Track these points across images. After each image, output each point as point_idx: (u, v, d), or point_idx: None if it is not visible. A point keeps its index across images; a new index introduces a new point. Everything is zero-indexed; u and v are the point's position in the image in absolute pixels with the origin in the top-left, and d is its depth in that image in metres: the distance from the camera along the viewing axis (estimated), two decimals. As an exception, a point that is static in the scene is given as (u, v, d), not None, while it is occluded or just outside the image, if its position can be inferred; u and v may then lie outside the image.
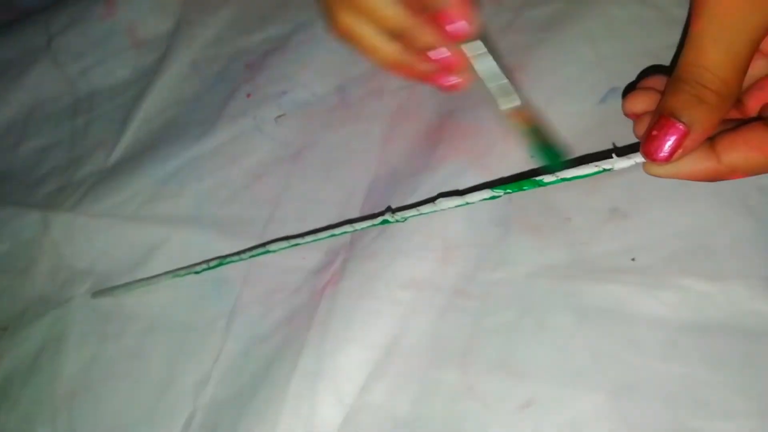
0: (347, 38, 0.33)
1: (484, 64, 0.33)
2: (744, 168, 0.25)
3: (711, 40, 0.24)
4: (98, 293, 0.40)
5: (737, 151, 0.25)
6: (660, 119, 0.25)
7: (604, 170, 0.28)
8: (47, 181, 0.47)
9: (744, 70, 0.25)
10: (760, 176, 0.29)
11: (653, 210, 0.33)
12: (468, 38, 0.31)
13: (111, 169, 0.46)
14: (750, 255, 0.31)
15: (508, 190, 0.31)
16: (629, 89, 0.32)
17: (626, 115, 0.30)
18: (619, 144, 0.33)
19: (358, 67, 0.44)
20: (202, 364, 0.37)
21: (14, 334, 0.41)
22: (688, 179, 0.27)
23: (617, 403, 0.29)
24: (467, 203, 0.32)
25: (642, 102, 0.29)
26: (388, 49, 0.32)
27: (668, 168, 0.26)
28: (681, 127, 0.25)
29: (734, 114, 0.29)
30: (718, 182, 0.28)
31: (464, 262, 0.35)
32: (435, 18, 0.30)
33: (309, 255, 0.38)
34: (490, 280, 0.34)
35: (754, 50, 0.25)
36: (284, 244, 0.36)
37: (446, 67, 0.32)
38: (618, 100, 0.37)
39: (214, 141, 0.44)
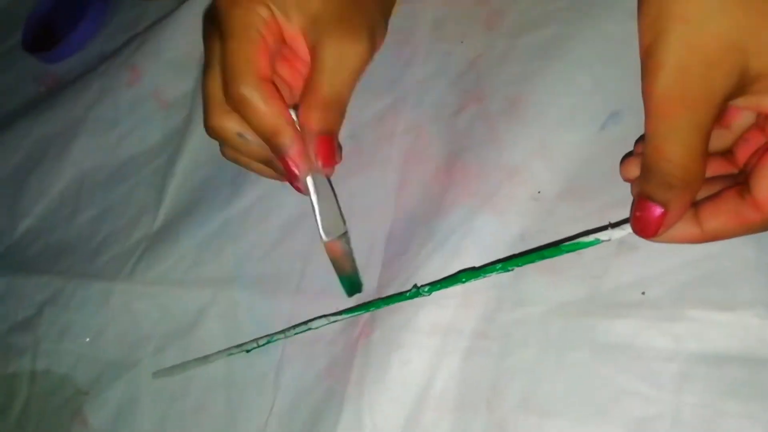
0: (219, 138, 0.38)
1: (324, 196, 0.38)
2: (724, 234, 0.27)
3: (663, 140, 0.25)
4: (158, 373, 0.44)
5: (716, 219, 0.27)
6: (639, 201, 0.28)
7: (602, 241, 0.31)
8: (103, 250, 0.52)
9: (703, 152, 0.26)
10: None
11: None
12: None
13: (156, 234, 0.50)
14: (758, 282, 0.31)
15: (519, 264, 0.35)
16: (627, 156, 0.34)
17: (624, 180, 0.33)
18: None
19: (367, 111, 0.45)
20: (258, 416, 0.41)
21: (95, 397, 0.46)
22: (679, 243, 0.29)
23: (636, 436, 0.31)
24: (483, 276, 0.36)
25: (635, 167, 0.31)
26: (260, 153, 0.37)
27: (659, 238, 0.28)
28: (658, 208, 0.27)
29: (726, 166, 0.30)
30: None
31: (484, 304, 0.37)
32: (279, 158, 0.36)
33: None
34: (509, 321, 0.36)
35: (707, 134, 0.26)
36: (324, 321, 0.40)
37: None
38: (618, 125, 0.37)
39: (245, 200, 0.47)
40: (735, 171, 0.31)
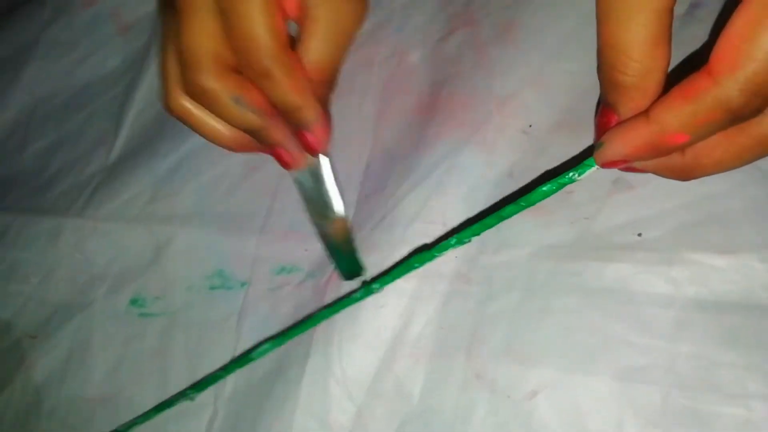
0: (183, 120, 0.34)
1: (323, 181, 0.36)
2: (674, 123, 0.22)
3: (608, 21, 0.22)
4: None
5: (663, 105, 0.23)
6: (600, 108, 0.25)
7: (565, 183, 0.28)
8: (54, 184, 0.48)
9: (661, 42, 0.22)
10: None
11: (659, 179, 0.31)
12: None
13: (112, 167, 0.46)
14: (763, 225, 0.29)
15: (476, 233, 0.30)
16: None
17: None
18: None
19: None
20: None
21: (43, 341, 0.43)
22: (630, 158, 0.25)
23: (626, 387, 0.29)
24: (439, 255, 0.32)
25: None
26: (231, 134, 0.34)
27: (613, 154, 0.25)
28: (613, 115, 0.24)
29: None
30: None
31: (465, 246, 0.34)
32: (298, 132, 0.33)
33: (311, 246, 0.38)
34: (492, 264, 0.33)
35: (666, 19, 0.22)
36: (268, 345, 0.35)
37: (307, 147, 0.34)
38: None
39: (208, 131, 0.43)
40: None
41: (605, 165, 0.25)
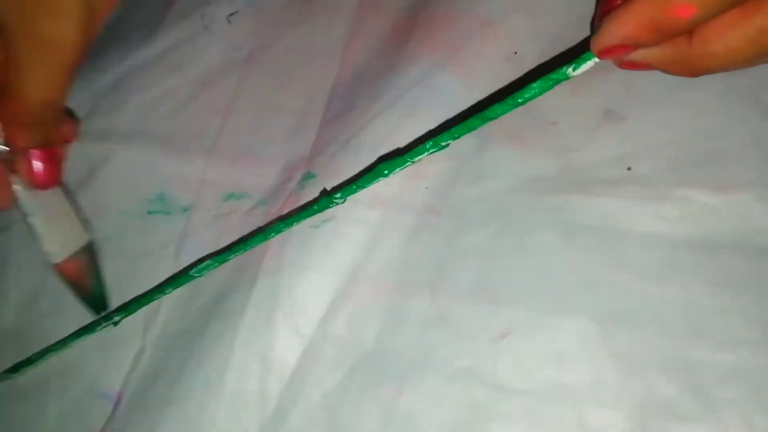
0: None
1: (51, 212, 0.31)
2: None
3: None
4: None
5: None
6: None
7: (560, 79, 0.24)
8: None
9: None
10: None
11: (653, 111, 0.29)
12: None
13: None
14: (761, 161, 0.26)
15: (456, 136, 0.26)
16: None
17: None
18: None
19: (318, -47, 0.38)
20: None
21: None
22: (637, 40, 0.21)
23: (606, 331, 0.26)
24: (412, 162, 0.28)
25: None
26: None
27: (610, 36, 0.21)
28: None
29: None
30: (730, 77, 0.24)
31: (437, 176, 0.31)
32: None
33: (264, 171, 0.34)
34: (466, 197, 0.30)
35: None
36: (209, 262, 0.31)
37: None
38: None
39: (158, 46, 0.39)
40: None
41: (602, 53, 0.22)
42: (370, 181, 0.29)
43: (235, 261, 0.32)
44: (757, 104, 0.27)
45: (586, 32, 0.30)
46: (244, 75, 0.37)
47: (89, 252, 0.33)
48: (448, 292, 0.29)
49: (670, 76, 0.24)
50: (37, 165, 0.29)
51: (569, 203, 0.28)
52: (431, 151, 0.27)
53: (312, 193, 0.32)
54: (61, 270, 0.32)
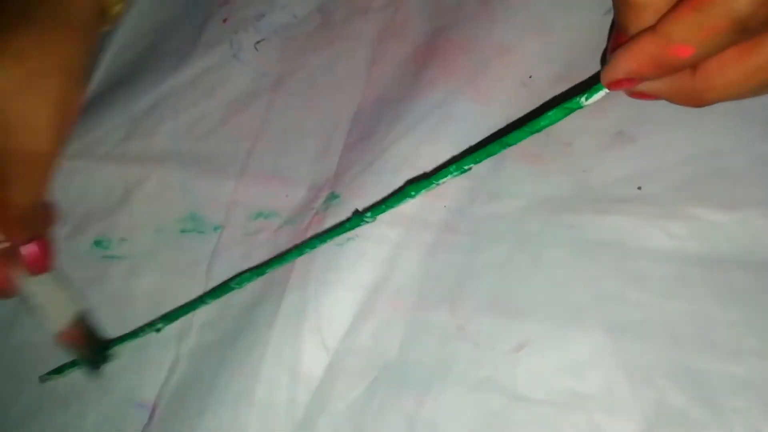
0: None
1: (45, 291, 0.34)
2: (680, 32, 0.21)
3: None
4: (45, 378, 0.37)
5: (669, 16, 0.21)
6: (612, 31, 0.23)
7: (574, 108, 0.25)
8: (21, 120, 0.45)
9: None
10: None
11: (663, 132, 0.30)
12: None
13: (86, 104, 0.43)
14: (768, 180, 0.28)
15: (477, 160, 0.28)
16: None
17: None
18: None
19: (341, -17, 0.40)
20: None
21: None
22: (641, 75, 0.23)
23: (618, 343, 0.27)
24: (437, 184, 0.29)
25: None
26: None
27: (617, 70, 0.23)
28: (624, 35, 0.23)
29: None
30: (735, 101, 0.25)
31: (456, 195, 0.32)
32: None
33: (291, 192, 0.36)
34: (483, 214, 0.32)
35: None
36: (248, 275, 0.33)
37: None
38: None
39: (190, 72, 0.41)
40: None
41: (611, 85, 0.24)
42: (398, 202, 0.30)
43: (264, 278, 0.34)
44: (764, 125, 0.28)
45: (596, 54, 0.32)
46: (271, 100, 0.39)
47: (82, 319, 0.36)
48: (466, 306, 0.30)
49: None
50: (33, 255, 0.33)
51: (582, 221, 0.30)
52: (455, 174, 0.28)
53: (336, 212, 0.34)
54: (61, 339, 0.35)
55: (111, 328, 0.36)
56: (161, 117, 0.40)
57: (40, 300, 0.34)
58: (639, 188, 0.29)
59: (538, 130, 0.26)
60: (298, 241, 0.34)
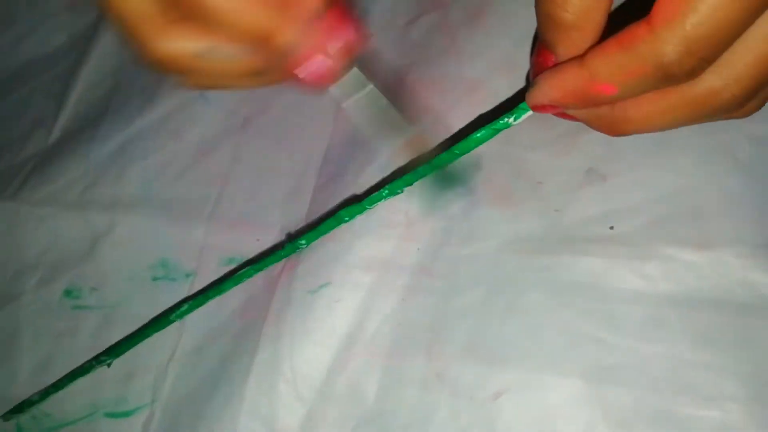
0: (172, 70, 0.24)
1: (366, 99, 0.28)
2: (606, 72, 0.21)
3: None
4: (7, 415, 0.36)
5: (598, 52, 0.21)
6: (538, 48, 0.24)
7: (500, 128, 0.26)
8: (-13, 165, 0.44)
9: None
10: (749, 124, 0.25)
11: (634, 170, 0.30)
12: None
13: (51, 149, 0.42)
14: (740, 218, 0.27)
15: (409, 182, 0.28)
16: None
17: None
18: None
19: (307, 18, 0.39)
20: (158, 359, 0.35)
21: (-35, 334, 0.39)
22: (560, 103, 0.24)
23: (596, 388, 0.27)
24: (369, 208, 0.30)
25: None
26: (243, 66, 0.24)
27: (542, 96, 0.24)
28: (551, 56, 0.23)
29: None
30: (706, 134, 0.27)
31: (429, 238, 0.32)
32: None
33: (262, 236, 0.35)
34: (457, 257, 0.31)
35: None
36: (186, 307, 0.33)
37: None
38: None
39: (157, 113, 0.40)
40: None
41: (536, 108, 0.24)
42: (331, 227, 0.31)
43: (238, 327, 0.33)
44: (735, 163, 0.28)
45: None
46: (240, 140, 0.38)
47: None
48: (443, 352, 0.30)
49: (647, 135, 0.25)
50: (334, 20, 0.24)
51: (557, 263, 0.29)
52: (387, 197, 0.29)
53: (308, 257, 0.33)
54: (408, 146, 0.30)
55: (81, 385, 0.35)
56: (128, 161, 0.39)
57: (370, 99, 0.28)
58: (611, 228, 0.29)
59: (466, 152, 0.26)
60: (270, 286, 0.34)
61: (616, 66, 0.21)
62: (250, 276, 0.32)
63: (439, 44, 0.35)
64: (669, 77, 0.20)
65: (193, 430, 0.32)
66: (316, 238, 0.31)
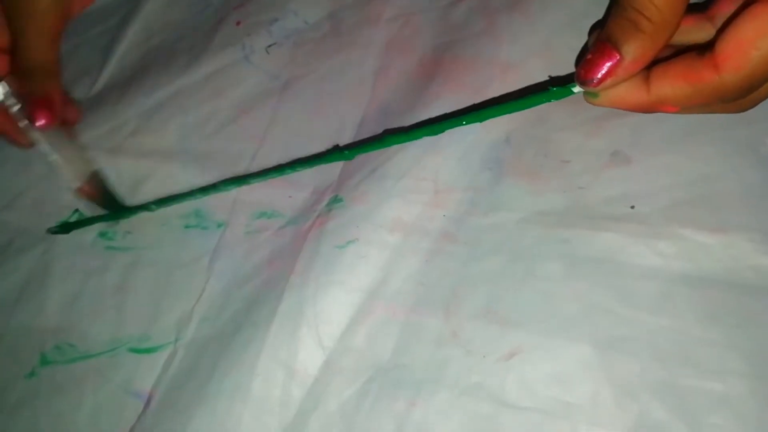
0: None
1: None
2: (672, 99, 0.25)
3: None
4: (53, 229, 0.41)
5: (665, 79, 0.24)
6: (597, 44, 0.25)
7: (543, 100, 0.28)
8: (32, 110, 0.45)
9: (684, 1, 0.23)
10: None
11: (658, 155, 0.31)
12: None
13: (95, 98, 0.44)
14: (756, 207, 0.29)
15: (448, 127, 0.31)
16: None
17: None
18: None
19: (352, -8, 0.41)
20: (184, 302, 0.36)
21: (1, 265, 0.41)
22: (621, 108, 0.26)
23: (605, 355, 0.28)
24: (411, 140, 0.33)
25: None
26: None
27: (601, 97, 0.26)
28: (615, 54, 0.24)
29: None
30: (730, 128, 0.29)
31: (455, 205, 0.33)
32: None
33: (295, 194, 0.37)
34: (481, 225, 0.33)
35: None
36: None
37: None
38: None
39: (201, 71, 0.42)
40: None
41: (591, 103, 0.27)
42: (375, 147, 0.34)
43: (264, 276, 0.35)
44: (754, 155, 0.30)
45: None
46: (279, 102, 0.40)
47: (98, 176, 0.40)
48: (460, 313, 0.31)
49: (674, 124, 0.27)
50: (36, 107, 0.37)
51: (576, 236, 0.31)
52: (427, 134, 0.32)
53: (339, 215, 0.35)
54: (80, 192, 0.39)
55: (106, 322, 0.37)
56: (171, 114, 0.41)
57: (58, 158, 0.39)
58: (632, 207, 0.30)
59: (510, 111, 0.29)
60: (299, 241, 0.35)
61: (683, 96, 0.24)
62: (294, 170, 0.36)
63: (478, 26, 0.37)
64: (725, 101, 0.24)
65: (213, 370, 0.33)
66: (361, 152, 0.34)
